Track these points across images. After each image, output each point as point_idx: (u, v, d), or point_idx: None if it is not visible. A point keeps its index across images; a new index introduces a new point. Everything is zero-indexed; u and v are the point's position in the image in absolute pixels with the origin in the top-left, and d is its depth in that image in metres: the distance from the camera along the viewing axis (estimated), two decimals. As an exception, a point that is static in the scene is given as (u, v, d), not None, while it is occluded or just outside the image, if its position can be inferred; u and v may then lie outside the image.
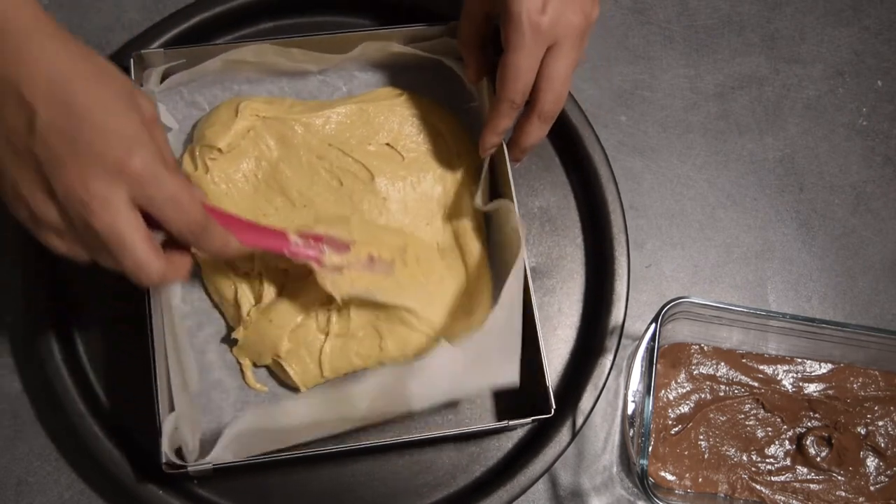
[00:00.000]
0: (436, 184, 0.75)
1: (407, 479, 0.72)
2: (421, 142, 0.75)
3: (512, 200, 0.70)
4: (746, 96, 0.84)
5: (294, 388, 0.71)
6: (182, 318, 0.70)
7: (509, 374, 0.64)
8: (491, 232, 0.75)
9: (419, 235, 0.74)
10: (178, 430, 0.64)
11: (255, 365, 0.71)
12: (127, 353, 0.72)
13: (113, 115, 0.53)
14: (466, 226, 0.74)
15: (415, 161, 0.75)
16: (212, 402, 0.70)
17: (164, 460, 0.63)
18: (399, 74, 0.78)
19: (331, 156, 0.74)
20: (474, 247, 0.74)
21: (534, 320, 0.69)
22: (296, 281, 0.70)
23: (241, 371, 0.71)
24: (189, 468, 0.64)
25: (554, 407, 0.68)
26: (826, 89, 0.84)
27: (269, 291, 0.71)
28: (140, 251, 0.53)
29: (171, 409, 0.64)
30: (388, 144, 0.75)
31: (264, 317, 0.69)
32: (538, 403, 0.68)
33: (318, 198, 0.73)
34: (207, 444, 0.65)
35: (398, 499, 0.71)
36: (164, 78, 0.73)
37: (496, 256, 0.74)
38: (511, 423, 0.69)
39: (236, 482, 0.70)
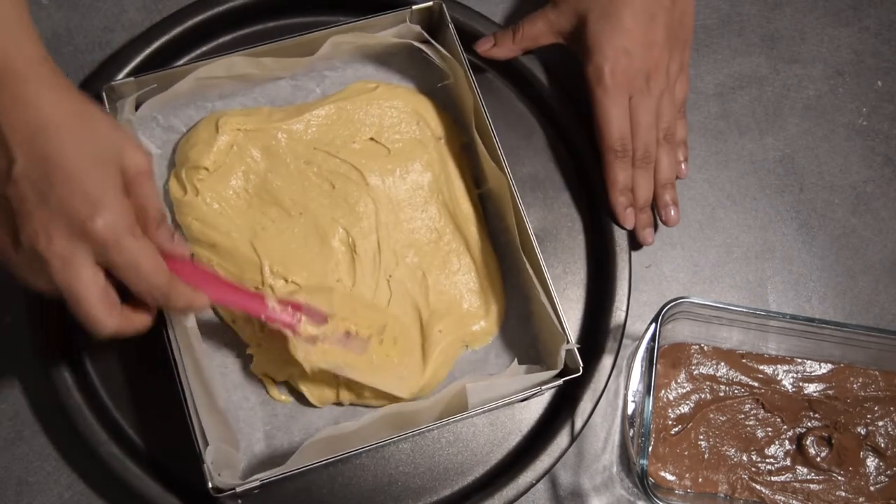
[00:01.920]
0: (424, 171, 0.75)
1: (405, 479, 0.72)
2: (404, 131, 0.75)
3: (506, 176, 0.70)
4: (746, 96, 0.84)
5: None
6: (198, 339, 0.69)
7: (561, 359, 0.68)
8: (489, 218, 0.75)
9: (414, 225, 0.74)
10: (218, 452, 0.64)
11: (274, 380, 0.72)
12: (127, 351, 0.72)
13: (86, 173, 0.53)
14: (465, 210, 0.74)
15: (401, 151, 0.75)
16: (240, 420, 0.70)
17: (210, 485, 0.63)
18: (369, 66, 0.78)
19: (318, 159, 0.74)
20: (476, 232, 0.74)
21: (547, 285, 0.69)
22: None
23: (264, 386, 0.71)
24: (238, 488, 0.64)
25: (581, 365, 0.68)
26: (826, 89, 0.84)
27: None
28: (94, 309, 0.54)
29: (201, 430, 0.64)
30: (372, 139, 0.75)
31: (276, 336, 0.69)
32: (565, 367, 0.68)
33: (313, 203, 0.73)
34: (244, 461, 0.66)
35: (396, 500, 0.71)
36: (138, 105, 0.72)
37: (500, 241, 0.75)
38: (543, 388, 0.68)
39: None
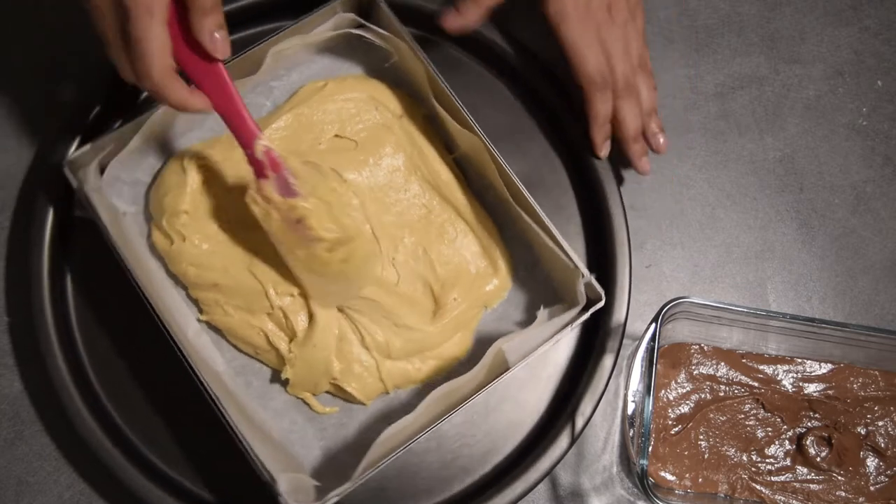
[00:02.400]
0: (396, 152, 0.75)
1: (401, 482, 0.72)
2: (365, 119, 0.75)
3: (477, 134, 0.71)
4: (746, 96, 0.84)
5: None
6: (232, 378, 0.69)
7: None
8: (471, 180, 0.76)
9: (401, 207, 0.74)
10: (290, 482, 0.64)
11: (314, 394, 0.72)
12: (128, 351, 0.72)
13: None
14: (445, 179, 0.75)
15: (368, 140, 0.75)
16: (295, 444, 0.71)
17: None
18: (313, 66, 0.77)
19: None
20: (462, 197, 0.74)
21: (546, 226, 0.70)
22: (318, 303, 0.70)
23: (306, 403, 0.72)
24: None
25: (603, 293, 0.69)
26: (826, 89, 0.84)
27: (299, 322, 0.71)
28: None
29: (263, 465, 0.64)
30: (336, 136, 0.75)
31: (308, 346, 0.70)
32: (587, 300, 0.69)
33: None
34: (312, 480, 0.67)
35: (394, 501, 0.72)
36: (103, 169, 0.71)
37: (487, 199, 0.75)
38: (573, 325, 0.68)
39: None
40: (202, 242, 0.71)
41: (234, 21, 0.74)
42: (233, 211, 0.71)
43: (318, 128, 0.74)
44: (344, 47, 0.77)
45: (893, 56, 0.85)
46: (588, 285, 0.69)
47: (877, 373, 0.74)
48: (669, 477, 0.71)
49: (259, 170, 0.66)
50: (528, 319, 0.73)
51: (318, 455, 0.71)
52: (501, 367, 0.68)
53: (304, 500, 0.64)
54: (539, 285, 0.75)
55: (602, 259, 0.76)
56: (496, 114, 0.78)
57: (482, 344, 0.73)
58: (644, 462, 0.64)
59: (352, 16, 0.74)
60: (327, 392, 0.72)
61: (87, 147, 0.68)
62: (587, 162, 0.76)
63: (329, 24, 0.73)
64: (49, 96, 0.79)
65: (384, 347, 0.71)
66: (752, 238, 0.80)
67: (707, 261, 0.80)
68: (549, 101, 0.78)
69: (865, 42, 0.86)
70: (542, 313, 0.70)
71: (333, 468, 0.70)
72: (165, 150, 0.74)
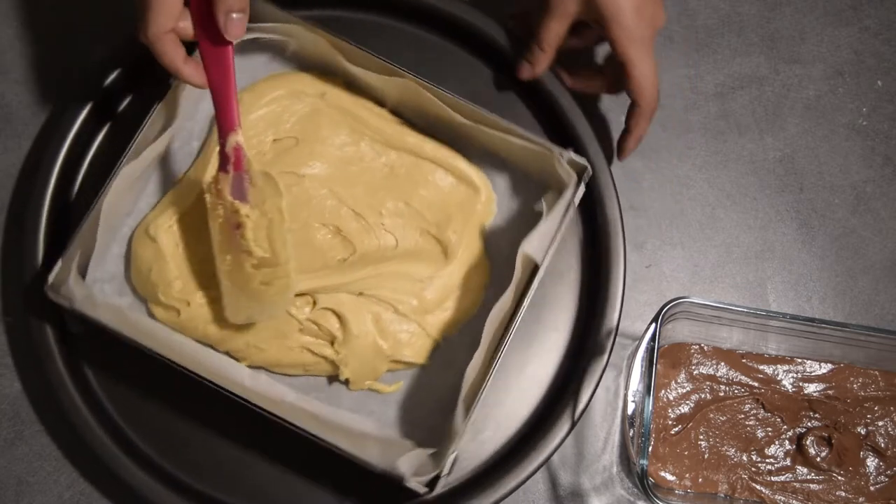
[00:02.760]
0: (335, 130, 0.74)
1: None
2: (293, 113, 0.75)
3: (402, 73, 0.71)
4: (746, 96, 0.84)
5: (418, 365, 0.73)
6: (305, 401, 0.69)
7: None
8: (416, 125, 0.76)
9: (367, 176, 0.74)
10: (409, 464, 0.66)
11: (375, 379, 0.73)
12: (128, 352, 0.72)
13: None
14: (391, 131, 0.75)
15: (304, 131, 0.74)
16: (384, 427, 0.71)
17: (435, 491, 0.66)
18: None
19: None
20: (414, 140, 0.75)
21: (505, 126, 0.71)
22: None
23: (374, 390, 0.72)
24: (443, 473, 0.66)
25: (587, 163, 0.71)
26: (826, 89, 0.84)
27: (332, 324, 0.71)
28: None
29: (379, 461, 0.65)
30: (275, 140, 0.74)
31: (350, 341, 0.70)
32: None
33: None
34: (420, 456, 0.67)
35: (388, 491, 0.72)
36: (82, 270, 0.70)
37: (440, 133, 0.76)
38: (575, 202, 0.71)
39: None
40: (204, 300, 0.71)
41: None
42: (220, 243, 0.69)
43: (255, 140, 0.74)
44: (239, 58, 0.74)
45: (893, 56, 0.85)
46: (570, 161, 0.71)
47: (877, 373, 0.74)
48: (669, 477, 0.71)
49: (223, 163, 0.67)
50: (527, 218, 0.74)
51: (409, 428, 0.72)
52: (531, 269, 0.70)
53: (427, 471, 0.65)
54: (522, 182, 0.76)
55: (599, 258, 0.76)
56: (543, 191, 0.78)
57: (498, 260, 0.75)
58: (644, 462, 0.64)
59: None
60: (388, 371, 0.73)
61: (58, 265, 0.67)
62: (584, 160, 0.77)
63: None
64: (49, 96, 0.79)
65: (418, 307, 0.72)
66: (752, 238, 0.80)
67: (707, 261, 0.80)
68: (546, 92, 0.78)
69: (865, 42, 0.85)
70: (540, 205, 0.72)
71: (429, 433, 0.71)
72: (122, 233, 0.73)
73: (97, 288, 0.71)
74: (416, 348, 0.72)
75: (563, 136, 0.76)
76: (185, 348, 0.68)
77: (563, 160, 0.71)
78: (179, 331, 0.70)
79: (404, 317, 0.72)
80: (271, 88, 0.75)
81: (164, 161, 0.74)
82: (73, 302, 0.66)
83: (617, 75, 0.73)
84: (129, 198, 0.72)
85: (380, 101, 0.76)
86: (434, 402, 0.72)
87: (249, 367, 0.71)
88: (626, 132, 0.75)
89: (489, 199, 0.76)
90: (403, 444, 0.69)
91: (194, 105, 0.74)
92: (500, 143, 0.73)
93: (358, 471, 0.66)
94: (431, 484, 0.66)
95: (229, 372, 0.68)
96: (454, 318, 0.73)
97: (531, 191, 0.76)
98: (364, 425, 0.69)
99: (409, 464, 0.65)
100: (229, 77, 0.65)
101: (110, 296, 0.72)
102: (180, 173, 0.74)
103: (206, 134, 0.75)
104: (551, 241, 0.70)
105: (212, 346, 0.71)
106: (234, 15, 0.61)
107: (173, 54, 0.62)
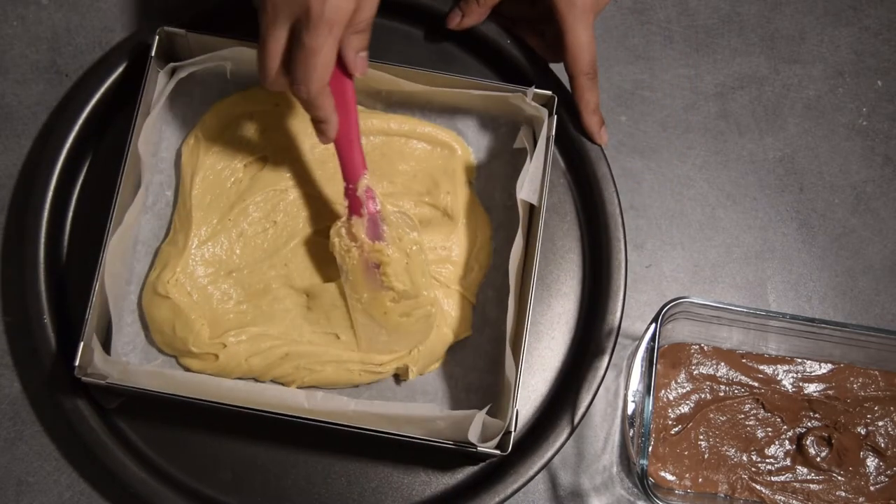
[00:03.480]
0: (301, 135, 0.74)
1: (395, 477, 0.72)
2: (254, 132, 0.74)
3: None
4: (746, 96, 0.84)
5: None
6: (369, 405, 0.69)
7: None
8: (372, 106, 0.76)
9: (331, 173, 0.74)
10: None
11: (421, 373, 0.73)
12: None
13: None
14: (365, 117, 0.75)
15: (271, 146, 0.74)
16: (450, 404, 0.73)
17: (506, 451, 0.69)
18: (169, 135, 0.75)
19: (236, 218, 0.72)
20: (377, 122, 0.75)
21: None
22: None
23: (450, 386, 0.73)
24: (512, 428, 0.67)
25: (552, 93, 0.72)
26: (826, 89, 0.84)
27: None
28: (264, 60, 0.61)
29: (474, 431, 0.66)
30: (246, 165, 0.74)
31: (425, 349, 0.72)
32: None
33: (259, 264, 0.72)
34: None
35: (390, 494, 0.72)
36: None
37: (395, 108, 0.76)
38: (551, 132, 0.71)
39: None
40: (241, 336, 0.70)
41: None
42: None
43: (228, 171, 0.73)
44: (180, 96, 0.74)
45: (893, 56, 0.85)
46: (536, 94, 0.71)
47: (877, 373, 0.74)
48: (669, 477, 0.71)
49: (355, 207, 0.68)
50: (509, 158, 0.75)
51: (465, 395, 0.72)
52: (528, 210, 0.72)
53: (494, 432, 0.66)
54: (490, 129, 0.77)
55: (600, 258, 0.75)
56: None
57: (493, 209, 0.76)
58: (644, 462, 0.64)
59: (170, 66, 0.72)
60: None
61: (80, 348, 0.66)
62: (583, 160, 0.76)
63: (159, 88, 0.72)
64: (49, 96, 0.79)
65: (453, 273, 0.73)
66: (752, 238, 0.80)
67: (707, 261, 0.80)
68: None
69: (865, 42, 0.86)
70: (520, 142, 0.73)
71: (483, 395, 0.72)
72: (129, 301, 0.72)
73: (126, 357, 0.71)
74: (465, 321, 0.73)
75: (517, 76, 0.77)
76: (238, 391, 0.68)
77: (529, 98, 0.72)
78: (219, 374, 0.70)
79: (447, 288, 0.73)
80: (225, 116, 0.74)
81: (145, 219, 0.73)
82: (109, 378, 0.66)
83: (556, 41, 0.74)
84: (125, 266, 0.71)
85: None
86: (482, 362, 0.73)
87: (298, 387, 0.71)
88: (580, 112, 0.75)
89: (465, 153, 0.76)
90: (466, 413, 0.68)
91: (154, 156, 0.74)
92: (461, 97, 0.74)
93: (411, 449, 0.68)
94: (503, 446, 0.67)
95: (286, 399, 0.68)
96: (479, 276, 0.74)
97: (502, 132, 0.77)
98: (426, 409, 0.69)
99: (477, 431, 0.66)
100: (353, 116, 0.66)
101: (139, 364, 0.71)
102: (163, 226, 0.74)
103: (176, 181, 0.74)
104: (542, 180, 0.71)
105: (254, 378, 0.71)
106: (363, 53, 0.63)
107: (330, 106, 0.63)
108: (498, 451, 0.66)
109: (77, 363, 0.66)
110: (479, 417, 0.66)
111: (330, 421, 0.66)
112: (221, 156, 0.73)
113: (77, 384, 0.68)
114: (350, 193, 0.68)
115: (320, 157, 0.74)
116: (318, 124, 0.64)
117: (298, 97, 0.62)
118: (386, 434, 0.66)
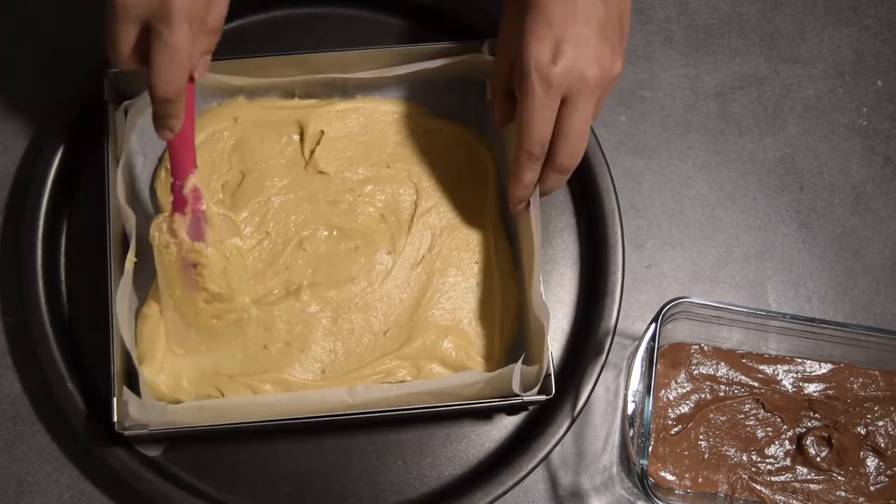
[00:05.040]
0: (270, 142, 0.74)
1: (395, 471, 0.72)
2: (222, 150, 0.74)
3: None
4: (746, 96, 0.84)
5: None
6: (409, 383, 0.70)
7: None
8: None
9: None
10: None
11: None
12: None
13: None
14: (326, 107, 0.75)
15: (243, 161, 0.74)
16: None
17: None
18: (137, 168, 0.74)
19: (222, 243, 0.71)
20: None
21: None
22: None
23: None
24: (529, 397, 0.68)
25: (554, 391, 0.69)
26: (826, 89, 0.84)
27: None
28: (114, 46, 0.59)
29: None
30: (223, 185, 0.74)
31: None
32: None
33: (260, 276, 0.72)
34: None
35: (388, 491, 0.72)
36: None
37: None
38: (526, 398, 0.69)
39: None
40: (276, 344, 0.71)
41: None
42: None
43: (208, 192, 0.72)
44: (145, 126, 0.72)
45: (893, 56, 0.85)
46: (492, 44, 0.72)
47: (877, 373, 0.74)
48: (669, 477, 0.71)
49: (180, 205, 0.67)
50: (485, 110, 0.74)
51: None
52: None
53: (532, 380, 0.68)
54: (456, 92, 0.76)
55: (597, 258, 0.76)
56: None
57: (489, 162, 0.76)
58: (644, 462, 0.64)
59: (123, 105, 0.71)
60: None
61: (114, 404, 0.66)
62: (582, 165, 0.76)
63: (121, 127, 0.71)
64: (48, 96, 0.79)
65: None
66: (752, 238, 0.80)
67: (707, 261, 0.80)
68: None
69: (865, 42, 0.86)
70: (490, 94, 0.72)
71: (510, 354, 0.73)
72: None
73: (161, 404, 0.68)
74: (508, 298, 0.73)
75: (467, 34, 0.76)
76: (278, 404, 0.68)
77: (486, 52, 0.73)
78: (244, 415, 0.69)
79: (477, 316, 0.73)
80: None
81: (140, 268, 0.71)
82: (151, 425, 0.66)
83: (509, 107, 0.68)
84: (132, 312, 0.70)
85: (289, 95, 0.76)
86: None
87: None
88: (510, 181, 0.68)
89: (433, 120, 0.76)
90: (504, 370, 0.68)
91: (133, 197, 0.73)
92: (421, 71, 0.74)
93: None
94: (546, 390, 0.68)
95: (327, 400, 0.68)
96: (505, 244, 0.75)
97: (467, 91, 0.76)
98: (466, 377, 0.69)
99: (517, 382, 0.67)
100: (191, 114, 0.65)
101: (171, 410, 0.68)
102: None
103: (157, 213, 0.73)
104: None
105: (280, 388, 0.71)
106: (207, 56, 0.62)
107: (185, 101, 0.62)
108: (543, 397, 0.68)
109: (115, 419, 0.66)
110: (517, 369, 0.67)
111: (378, 410, 0.67)
112: (199, 178, 0.72)
113: (112, 436, 0.68)
114: (176, 190, 0.66)
115: (292, 159, 0.74)
116: (168, 120, 0.62)
117: (159, 95, 0.59)
118: (433, 408, 0.68)
